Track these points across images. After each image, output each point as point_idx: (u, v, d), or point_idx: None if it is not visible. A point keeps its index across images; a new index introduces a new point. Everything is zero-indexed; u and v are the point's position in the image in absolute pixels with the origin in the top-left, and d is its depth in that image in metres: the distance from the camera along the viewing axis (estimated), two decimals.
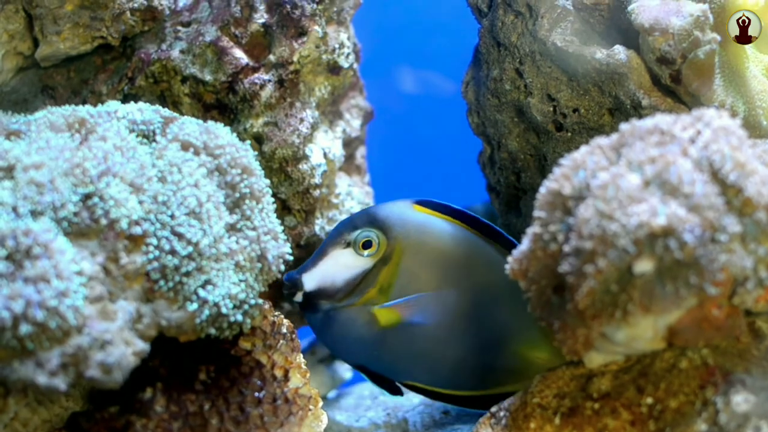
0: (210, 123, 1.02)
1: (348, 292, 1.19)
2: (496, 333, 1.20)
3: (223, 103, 1.36)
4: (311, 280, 1.19)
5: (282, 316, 1.09)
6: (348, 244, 1.20)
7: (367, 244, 1.19)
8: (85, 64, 1.40)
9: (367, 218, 1.21)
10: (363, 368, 1.25)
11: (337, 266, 1.20)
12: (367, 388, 1.68)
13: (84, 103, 1.37)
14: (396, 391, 1.25)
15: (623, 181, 0.82)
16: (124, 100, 1.36)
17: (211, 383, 0.99)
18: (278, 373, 1.03)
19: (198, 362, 1.00)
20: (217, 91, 1.35)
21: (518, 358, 1.21)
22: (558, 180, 0.88)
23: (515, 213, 1.37)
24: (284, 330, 1.08)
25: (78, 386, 0.97)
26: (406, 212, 1.20)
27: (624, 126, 0.89)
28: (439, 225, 1.19)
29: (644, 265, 0.81)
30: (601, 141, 0.90)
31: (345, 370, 1.81)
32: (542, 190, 0.90)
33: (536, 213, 0.90)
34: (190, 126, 1.00)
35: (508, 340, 1.21)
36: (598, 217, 0.82)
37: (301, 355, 1.08)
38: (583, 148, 0.90)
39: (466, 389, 1.24)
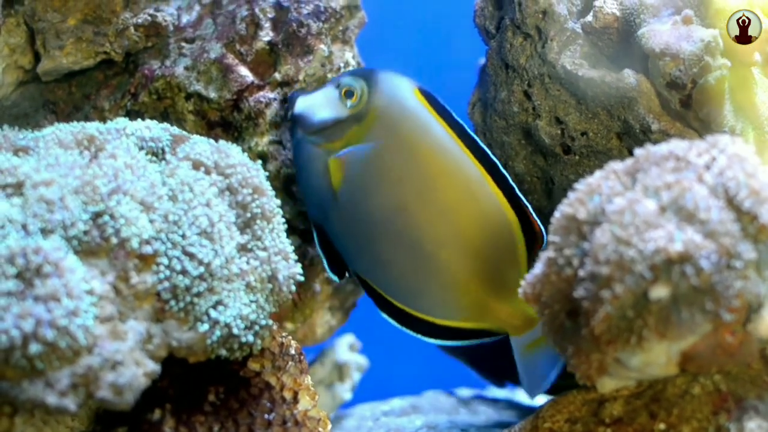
0: (221, 142, 1.03)
1: (317, 131, 1.20)
2: (434, 259, 1.17)
3: (228, 121, 1.36)
4: (301, 103, 1.21)
5: (290, 337, 1.09)
6: (338, 86, 1.21)
7: (349, 93, 1.19)
8: (87, 79, 1.41)
9: (364, 72, 1.22)
10: (321, 231, 1.23)
11: (322, 102, 1.21)
12: (368, 408, 1.68)
13: (86, 118, 1.37)
14: (341, 275, 1.23)
15: (640, 207, 0.83)
16: (127, 116, 1.36)
17: (220, 405, 0.99)
18: (287, 395, 1.04)
19: (207, 383, 1.00)
20: (221, 108, 1.35)
21: (469, 297, 1.18)
22: (573, 204, 0.89)
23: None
24: (292, 351, 1.08)
25: (84, 406, 0.97)
26: (402, 87, 1.19)
27: (638, 151, 0.90)
28: (426, 119, 1.17)
29: (660, 291, 0.82)
30: (616, 166, 0.91)
31: (344, 391, 1.82)
32: (557, 214, 0.91)
33: (551, 237, 0.91)
34: (201, 145, 1.01)
35: (454, 274, 1.17)
36: (614, 242, 0.83)
37: (309, 377, 1.09)
38: (598, 173, 0.91)
39: (400, 300, 1.21)
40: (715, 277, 0.81)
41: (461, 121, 1.17)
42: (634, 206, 0.84)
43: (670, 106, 1.11)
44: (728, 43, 1.08)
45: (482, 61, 1.82)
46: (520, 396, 2.08)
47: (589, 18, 1.17)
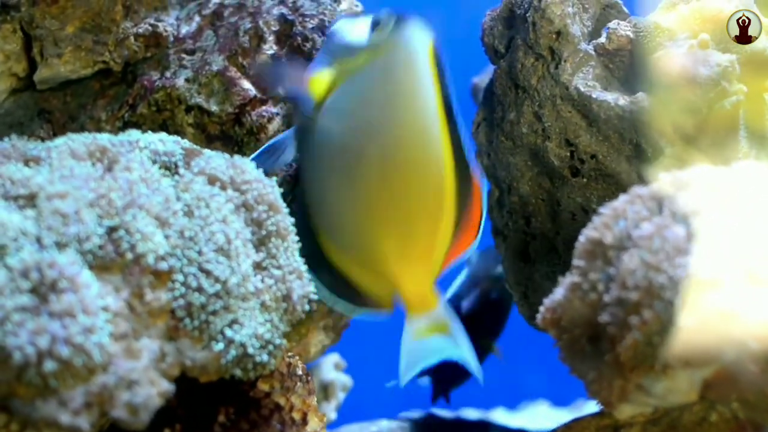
0: (236, 157, 1.03)
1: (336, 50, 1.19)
2: (369, 198, 1.17)
3: (228, 135, 1.35)
4: (340, 24, 1.21)
5: (297, 357, 1.09)
6: (372, 17, 1.19)
7: (375, 24, 1.18)
8: (83, 88, 1.39)
9: (399, 13, 1.19)
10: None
11: (353, 27, 1.20)
12: (357, 429, 1.68)
13: (82, 128, 1.36)
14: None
15: (669, 233, 0.84)
16: (124, 127, 1.35)
17: (230, 426, 0.98)
18: (296, 416, 1.03)
19: (217, 403, 0.99)
20: (222, 122, 1.34)
21: (384, 251, 1.17)
22: (598, 229, 0.90)
23: (523, 258, 1.38)
24: (299, 372, 1.07)
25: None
26: (420, 38, 1.17)
27: (664, 176, 0.91)
28: (423, 80, 1.16)
29: (690, 318, 0.82)
30: (640, 191, 0.91)
31: (330, 410, 1.81)
32: (581, 239, 0.91)
33: (575, 262, 0.91)
34: (216, 159, 1.01)
35: (382, 220, 1.17)
36: (644, 268, 0.83)
37: (315, 398, 1.08)
38: (622, 197, 0.92)
39: (323, 229, 1.21)
40: (743, 305, 0.82)
41: (454, 106, 1.18)
42: (664, 232, 0.84)
43: (684, 131, 1.12)
44: (744, 69, 1.10)
45: (476, 79, 1.83)
46: (500, 418, 2.09)
47: (602, 39, 1.19)
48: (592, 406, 2.19)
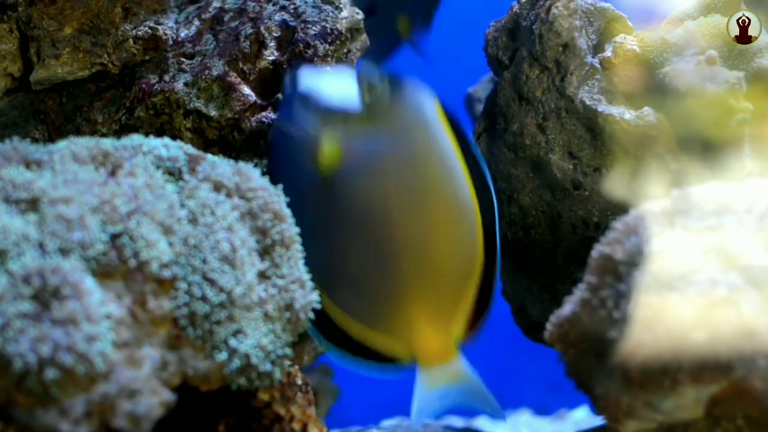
0: (241, 164, 1.01)
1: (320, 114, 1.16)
2: (395, 264, 1.14)
3: (227, 140, 1.34)
4: (309, 80, 1.19)
5: (297, 367, 1.07)
6: (361, 78, 1.17)
7: (369, 88, 1.15)
8: (79, 90, 1.38)
9: (390, 74, 1.17)
10: None
11: (334, 86, 1.17)
12: None
13: (78, 130, 1.34)
14: None
15: (681, 249, 0.83)
16: (121, 130, 1.33)
17: None
18: (297, 426, 1.01)
19: (217, 413, 0.98)
20: (221, 127, 1.33)
21: (405, 310, 1.15)
22: (610, 244, 0.89)
23: (521, 269, 1.37)
24: (299, 381, 1.06)
25: None
26: (427, 103, 1.16)
27: (676, 192, 0.91)
28: (443, 142, 1.15)
29: (700, 335, 0.82)
30: (652, 206, 0.91)
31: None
32: (594, 254, 0.90)
33: (587, 277, 0.90)
34: (222, 166, 0.99)
35: (405, 284, 1.15)
36: (656, 285, 0.82)
37: (314, 409, 1.07)
38: (634, 213, 0.91)
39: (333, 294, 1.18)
40: (755, 322, 0.81)
41: (476, 151, 1.18)
42: (675, 248, 0.84)
43: (689, 147, 1.12)
44: (750, 87, 1.10)
45: (470, 89, 1.83)
46: (483, 426, 2.09)
47: (608, 53, 1.18)
48: (575, 416, 2.19)
